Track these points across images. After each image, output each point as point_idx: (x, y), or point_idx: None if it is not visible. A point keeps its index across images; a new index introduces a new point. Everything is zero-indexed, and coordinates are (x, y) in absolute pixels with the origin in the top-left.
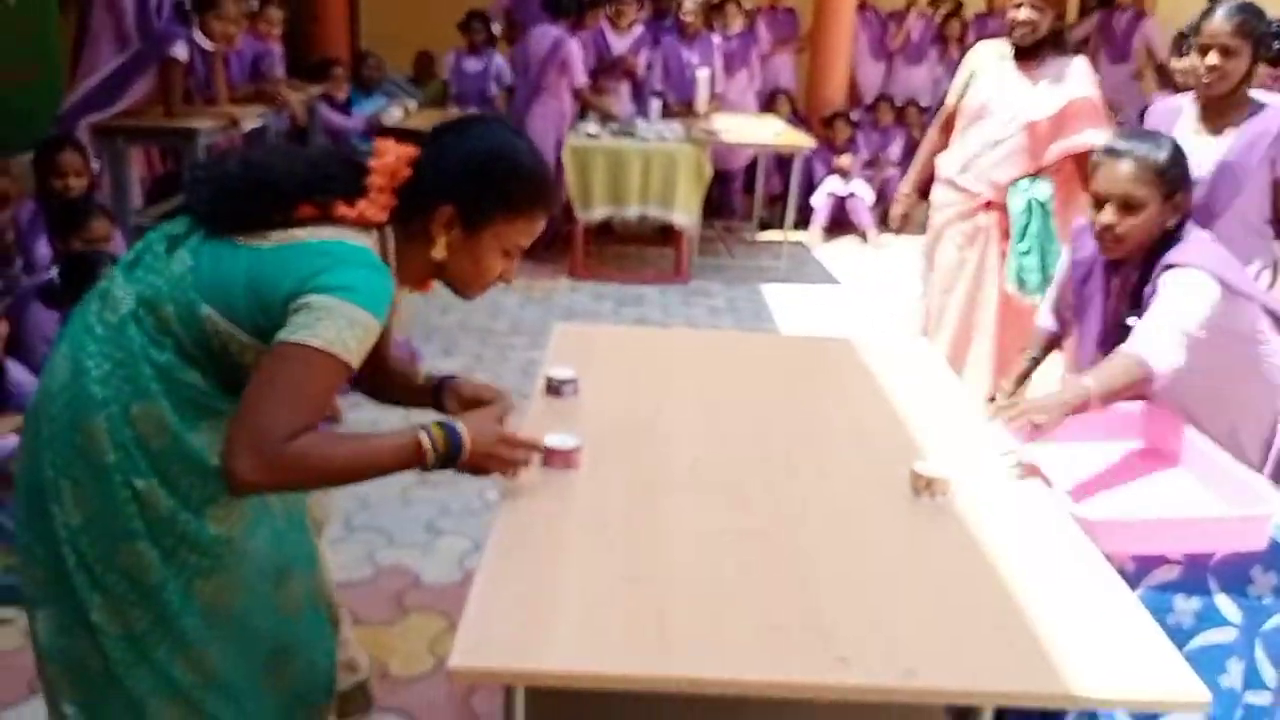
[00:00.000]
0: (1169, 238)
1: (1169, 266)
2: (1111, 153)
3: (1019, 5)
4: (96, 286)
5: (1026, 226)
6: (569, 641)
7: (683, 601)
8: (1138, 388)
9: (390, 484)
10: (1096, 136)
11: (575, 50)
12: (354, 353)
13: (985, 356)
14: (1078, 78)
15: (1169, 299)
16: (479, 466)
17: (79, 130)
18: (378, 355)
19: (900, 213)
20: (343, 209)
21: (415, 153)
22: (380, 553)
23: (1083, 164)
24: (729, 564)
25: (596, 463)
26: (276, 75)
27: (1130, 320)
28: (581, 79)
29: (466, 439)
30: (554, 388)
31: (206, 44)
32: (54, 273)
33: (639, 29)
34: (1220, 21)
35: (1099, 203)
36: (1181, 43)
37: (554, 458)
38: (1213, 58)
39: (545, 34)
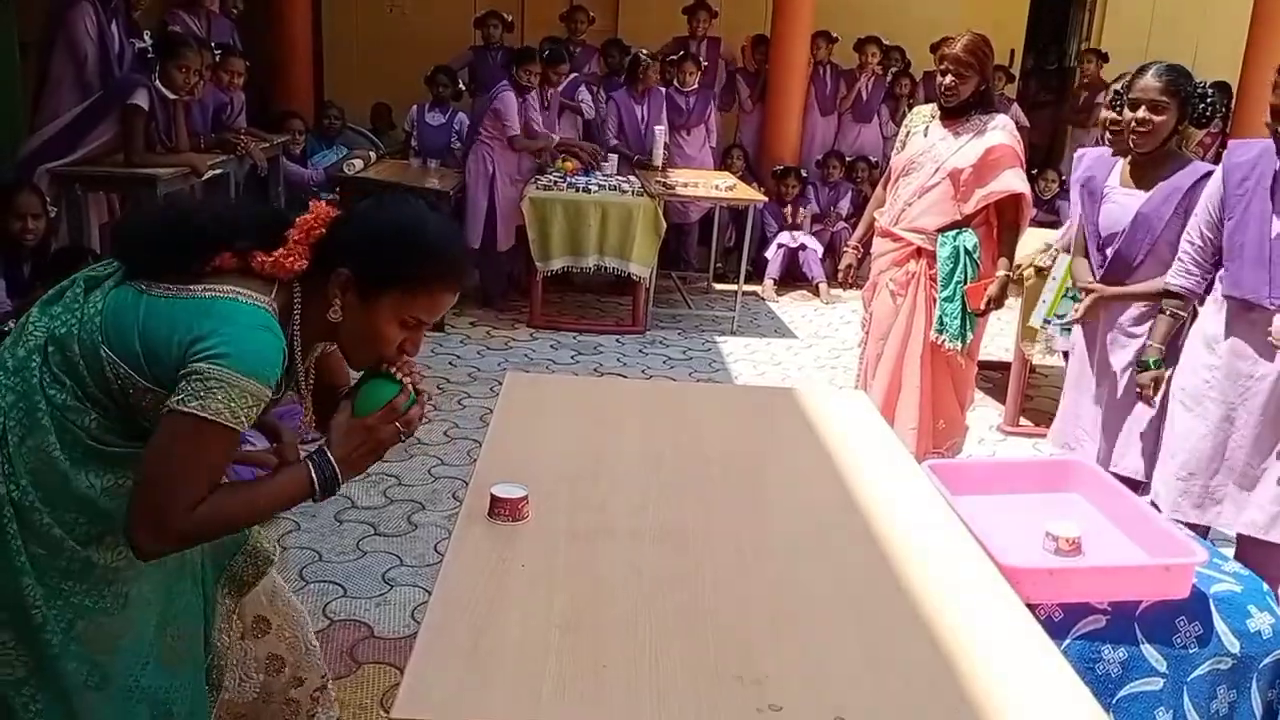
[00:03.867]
0: None
1: None
2: None
3: (945, 72)
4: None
5: (952, 273)
6: (509, 691)
7: (619, 650)
8: None
9: (346, 536)
10: (1015, 180)
11: (510, 101)
12: (242, 420)
13: (912, 403)
14: (997, 130)
15: None
16: (366, 461)
17: (37, 177)
18: (329, 385)
19: (846, 264)
20: (260, 258)
21: (335, 214)
22: (334, 604)
23: (1003, 213)
24: (666, 612)
25: (542, 512)
26: (239, 125)
27: None
28: (514, 129)
29: (332, 457)
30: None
31: (168, 93)
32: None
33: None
34: (1150, 79)
35: (1277, 115)
36: (1117, 98)
37: (500, 507)
38: (1142, 113)
39: (497, 88)
